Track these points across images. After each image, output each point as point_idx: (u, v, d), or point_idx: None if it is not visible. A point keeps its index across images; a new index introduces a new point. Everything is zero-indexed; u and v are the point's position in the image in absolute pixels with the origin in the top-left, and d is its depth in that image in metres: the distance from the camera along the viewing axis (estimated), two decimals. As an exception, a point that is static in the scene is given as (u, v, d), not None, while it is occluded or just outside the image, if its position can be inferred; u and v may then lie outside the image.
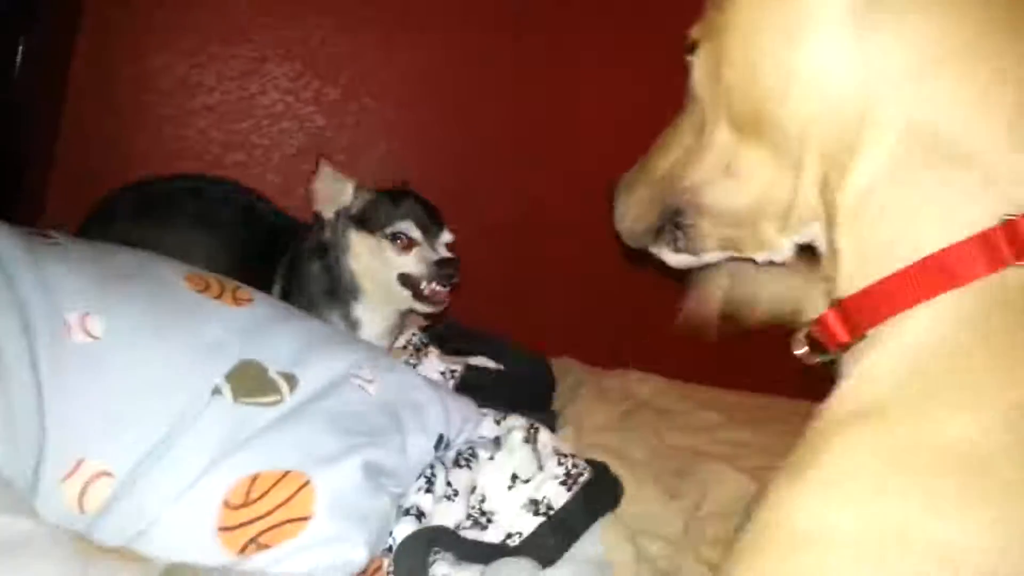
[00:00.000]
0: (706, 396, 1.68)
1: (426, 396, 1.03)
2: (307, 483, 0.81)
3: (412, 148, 1.59)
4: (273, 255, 1.41)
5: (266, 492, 0.80)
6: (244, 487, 0.80)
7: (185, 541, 0.77)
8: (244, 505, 0.79)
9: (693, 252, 0.81)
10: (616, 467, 1.30)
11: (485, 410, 1.15)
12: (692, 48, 0.76)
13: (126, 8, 1.79)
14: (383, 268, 1.32)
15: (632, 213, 0.84)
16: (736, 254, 0.79)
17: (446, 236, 1.36)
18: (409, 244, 1.30)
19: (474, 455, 1.00)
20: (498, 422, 1.13)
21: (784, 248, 0.75)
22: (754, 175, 0.71)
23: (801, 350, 0.72)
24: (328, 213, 1.37)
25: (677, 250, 0.82)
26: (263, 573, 0.76)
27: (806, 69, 0.64)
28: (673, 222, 0.80)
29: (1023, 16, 0.59)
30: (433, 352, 1.51)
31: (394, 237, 1.30)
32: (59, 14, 1.71)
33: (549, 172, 1.96)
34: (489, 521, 0.92)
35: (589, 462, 1.08)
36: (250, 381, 0.88)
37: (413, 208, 1.33)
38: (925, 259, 0.57)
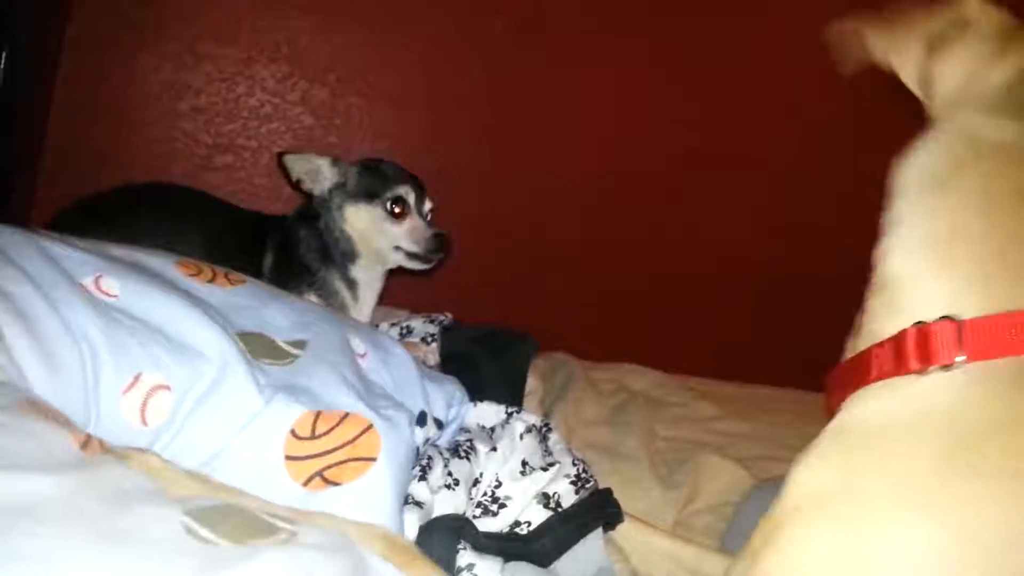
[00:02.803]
0: (701, 388, 1.69)
1: (408, 373, 1.05)
2: (370, 427, 0.84)
3: (400, 147, 1.60)
4: (260, 238, 1.46)
5: (331, 429, 0.82)
6: (309, 420, 0.82)
7: (252, 467, 0.78)
8: (311, 438, 0.81)
9: None
10: (609, 460, 1.31)
11: (495, 404, 1.16)
12: None
13: (112, 11, 1.79)
14: (380, 237, 1.44)
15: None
16: None
17: (428, 203, 1.50)
18: (403, 212, 1.43)
19: (473, 448, 1.01)
20: (510, 415, 1.13)
21: None
22: None
23: None
24: (319, 191, 1.45)
25: None
26: (315, 512, 0.76)
27: None
28: None
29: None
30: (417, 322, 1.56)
31: (394, 203, 1.42)
32: (45, 17, 1.70)
33: (537, 169, 1.97)
34: (501, 507, 0.93)
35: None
36: (263, 348, 0.90)
37: (402, 173, 1.47)
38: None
